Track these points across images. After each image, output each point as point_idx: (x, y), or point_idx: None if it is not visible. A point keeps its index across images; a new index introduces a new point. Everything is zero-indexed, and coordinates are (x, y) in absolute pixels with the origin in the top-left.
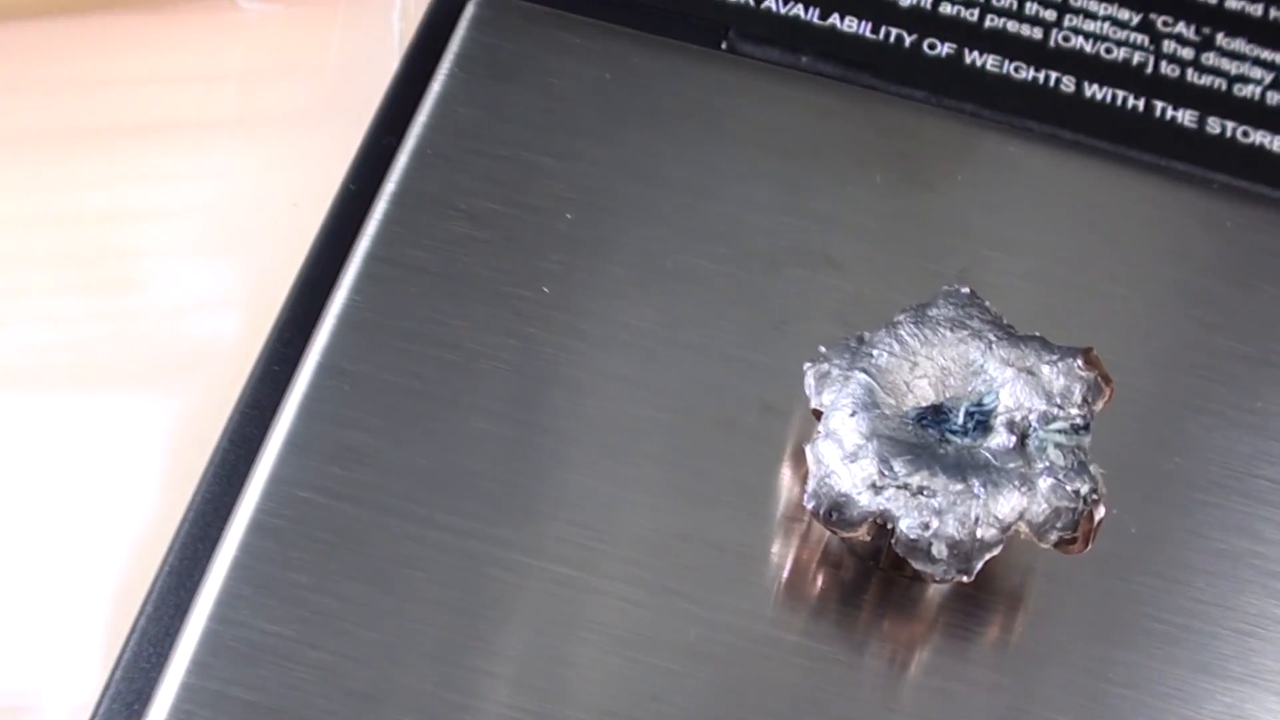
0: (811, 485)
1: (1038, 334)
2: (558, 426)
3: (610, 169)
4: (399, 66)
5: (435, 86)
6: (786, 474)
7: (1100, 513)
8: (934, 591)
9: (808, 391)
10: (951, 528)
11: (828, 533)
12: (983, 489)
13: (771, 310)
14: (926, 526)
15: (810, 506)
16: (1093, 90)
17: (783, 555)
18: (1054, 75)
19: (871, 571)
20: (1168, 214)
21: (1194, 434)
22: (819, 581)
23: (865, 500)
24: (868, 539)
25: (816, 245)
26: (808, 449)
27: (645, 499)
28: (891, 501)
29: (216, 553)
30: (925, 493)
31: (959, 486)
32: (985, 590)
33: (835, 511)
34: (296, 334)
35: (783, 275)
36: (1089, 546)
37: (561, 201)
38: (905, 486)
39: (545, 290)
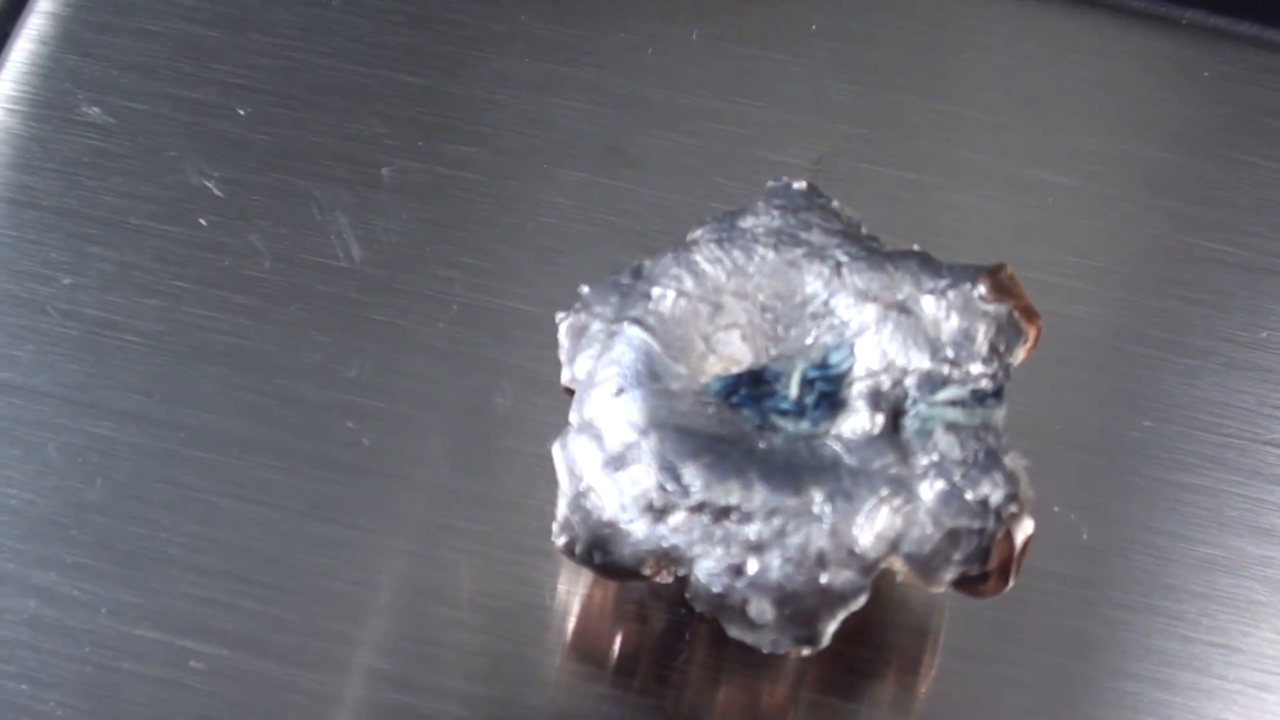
0: (561, 510)
1: (915, 248)
2: (205, 427)
3: (306, 40)
4: None
5: None
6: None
7: (1025, 530)
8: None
9: (561, 357)
10: (778, 572)
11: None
12: (828, 504)
13: (535, 232)
14: (737, 571)
15: (560, 544)
16: None
17: (545, 608)
18: None
19: (687, 624)
20: (1121, 65)
21: (1169, 384)
22: (608, 644)
23: (640, 531)
24: (669, 580)
25: (602, 134)
26: (555, 452)
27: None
28: (680, 533)
29: None
30: (734, 516)
31: (791, 502)
32: (863, 649)
33: (597, 550)
34: None
35: (554, 180)
36: (1009, 584)
37: (232, 91)
38: (702, 507)
39: (203, 223)
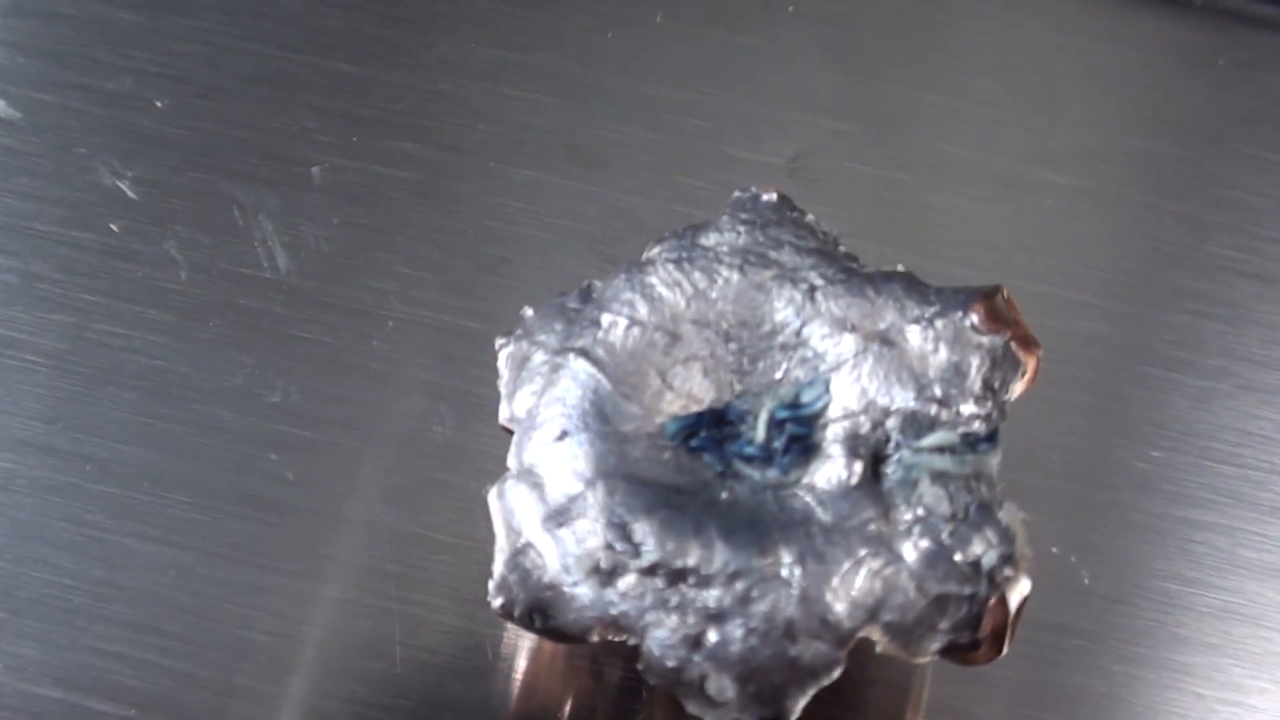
0: (498, 567)
1: (900, 268)
2: (113, 459)
3: (230, 25)
4: None
5: None
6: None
7: (1022, 591)
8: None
9: (501, 389)
10: (740, 644)
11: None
12: (798, 566)
13: (481, 239)
14: (695, 643)
15: (496, 605)
16: None
17: (487, 664)
18: None
19: (645, 682)
20: (1127, 51)
21: (1179, 409)
22: (558, 704)
23: (586, 596)
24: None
25: (557, 129)
26: (490, 499)
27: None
28: (631, 598)
29: None
30: (692, 580)
31: (756, 564)
32: (837, 710)
33: (537, 615)
34: None
35: (503, 180)
36: (1003, 652)
37: (149, 82)
38: (655, 570)
39: (115, 229)
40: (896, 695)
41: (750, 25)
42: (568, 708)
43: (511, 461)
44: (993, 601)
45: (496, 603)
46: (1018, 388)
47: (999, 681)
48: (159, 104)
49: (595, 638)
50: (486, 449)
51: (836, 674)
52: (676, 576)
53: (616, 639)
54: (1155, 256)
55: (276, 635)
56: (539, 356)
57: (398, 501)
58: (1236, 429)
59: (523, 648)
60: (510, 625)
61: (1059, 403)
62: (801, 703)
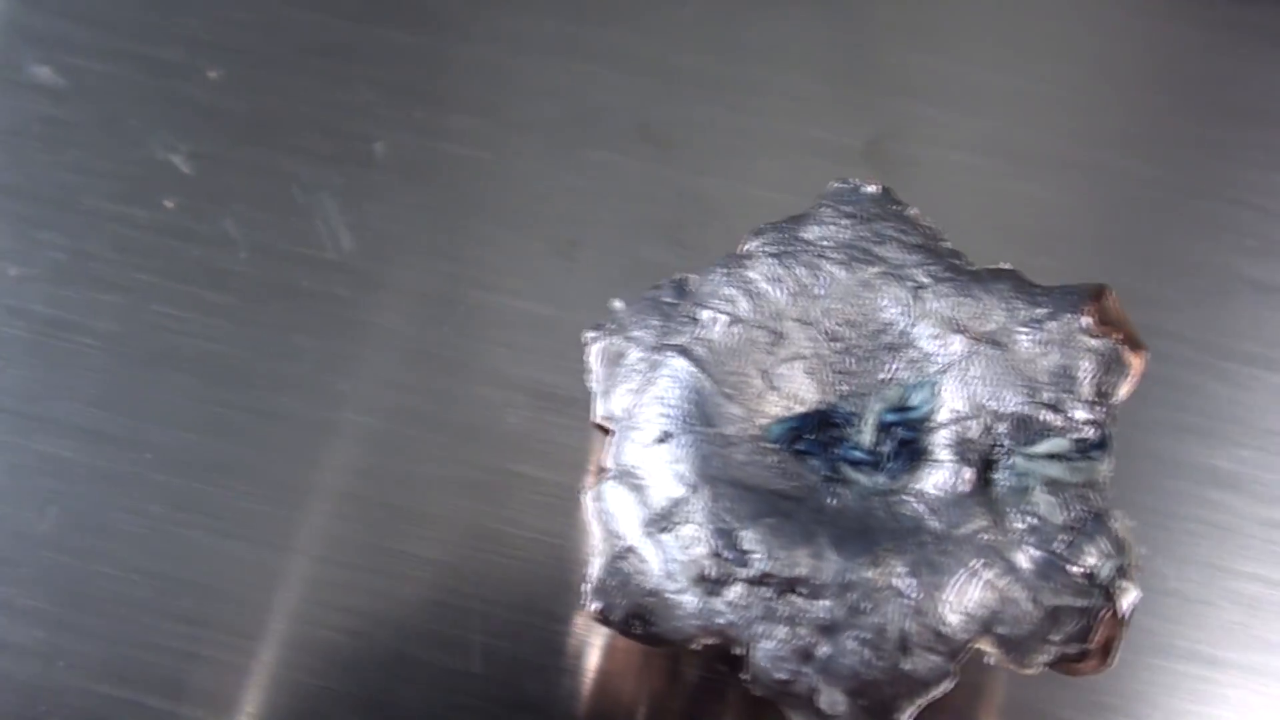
0: (594, 571)
1: (1005, 265)
2: (172, 447)
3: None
4: None
5: None
6: (574, 522)
7: (1132, 600)
8: None
9: (590, 386)
10: (853, 657)
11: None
12: (911, 577)
13: (551, 221)
14: (806, 655)
15: (592, 610)
16: None
17: (560, 661)
18: None
19: (726, 682)
20: (1226, 38)
21: (1264, 407)
22: (631, 705)
23: (690, 604)
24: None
25: (629, 108)
26: (586, 501)
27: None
28: (738, 609)
29: None
30: (802, 590)
31: (868, 574)
32: None
33: (638, 621)
34: None
35: (573, 160)
36: (1111, 664)
37: (204, 50)
38: (764, 580)
39: (169, 206)
40: (969, 696)
41: (829, 3)
42: (644, 707)
43: (609, 461)
44: (1106, 614)
45: (594, 607)
46: (1122, 392)
47: (1077, 682)
48: (212, 74)
49: (697, 646)
50: (562, 440)
51: (948, 686)
52: (786, 586)
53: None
54: (1237, 249)
55: (350, 633)
56: (635, 353)
57: (472, 495)
58: None
59: (598, 646)
60: (602, 626)
61: (1142, 400)
62: (911, 715)
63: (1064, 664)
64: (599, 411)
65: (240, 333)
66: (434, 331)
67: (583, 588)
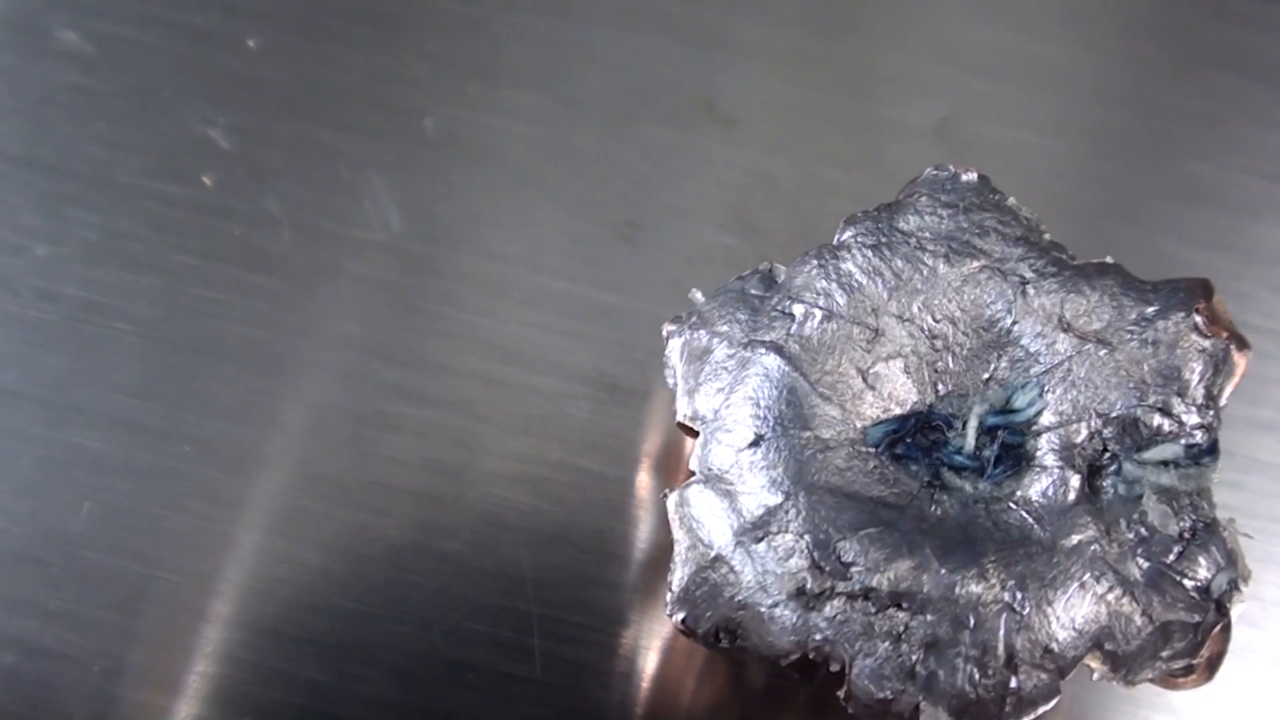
0: (679, 578)
1: (1109, 260)
2: (213, 440)
3: None
4: None
5: None
6: (642, 517)
7: (1240, 612)
8: None
9: (669, 382)
10: (959, 675)
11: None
12: (1020, 590)
13: (610, 202)
14: (909, 673)
15: (677, 620)
16: None
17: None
18: None
19: (796, 689)
20: None
21: None
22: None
23: (786, 620)
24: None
25: (689, 80)
26: (669, 504)
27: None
28: (837, 624)
29: None
30: (905, 605)
31: (974, 588)
32: None
33: (726, 634)
34: None
35: (632, 137)
36: (1213, 676)
37: (242, 18)
38: (866, 594)
39: (207, 183)
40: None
41: None
42: (706, 713)
43: (695, 464)
44: (1213, 629)
45: (678, 617)
46: (1228, 390)
47: (1170, 694)
48: (251, 43)
49: (787, 662)
50: (626, 433)
51: (1054, 704)
52: (888, 601)
53: (812, 663)
54: None
55: (401, 635)
56: (722, 350)
57: (532, 492)
58: None
59: (659, 649)
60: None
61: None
62: None
63: (1169, 679)
64: (683, 411)
65: (284, 318)
66: (488, 318)
67: (665, 596)
